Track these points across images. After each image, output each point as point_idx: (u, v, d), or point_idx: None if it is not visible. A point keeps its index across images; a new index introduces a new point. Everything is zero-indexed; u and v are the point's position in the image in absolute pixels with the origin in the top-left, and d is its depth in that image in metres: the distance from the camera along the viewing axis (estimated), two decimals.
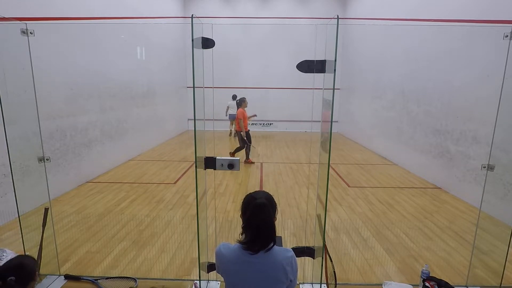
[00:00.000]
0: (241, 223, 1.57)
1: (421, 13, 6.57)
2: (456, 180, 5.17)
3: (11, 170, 2.29)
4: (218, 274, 1.61)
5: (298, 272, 1.63)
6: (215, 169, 2.19)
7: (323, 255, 2.22)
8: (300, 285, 2.50)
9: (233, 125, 10.71)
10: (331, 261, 2.17)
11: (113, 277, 2.62)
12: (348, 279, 2.80)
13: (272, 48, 12.49)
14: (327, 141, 2.05)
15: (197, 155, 2.07)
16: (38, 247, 2.42)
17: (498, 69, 2.29)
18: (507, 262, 2.36)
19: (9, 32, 2.30)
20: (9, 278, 1.58)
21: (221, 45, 10.83)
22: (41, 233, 2.43)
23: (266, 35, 12.39)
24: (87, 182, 5.59)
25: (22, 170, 2.43)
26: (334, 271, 2.13)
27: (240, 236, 1.56)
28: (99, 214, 4.18)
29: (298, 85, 11.99)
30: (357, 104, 10.91)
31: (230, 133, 11.34)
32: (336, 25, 1.81)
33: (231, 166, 2.17)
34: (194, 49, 1.90)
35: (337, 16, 1.84)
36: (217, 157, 2.18)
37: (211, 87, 2.45)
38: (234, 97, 10.73)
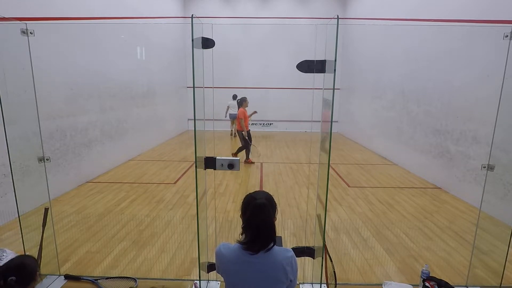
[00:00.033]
0: (241, 223, 1.57)
1: (421, 13, 6.57)
2: (456, 180, 5.17)
3: (11, 170, 2.29)
4: (218, 274, 1.61)
5: (298, 272, 1.63)
6: (215, 169, 2.19)
7: (323, 255, 2.22)
8: (300, 285, 2.50)
9: (234, 125, 10.72)
10: (331, 261, 2.17)
11: (113, 277, 2.62)
12: (348, 279, 2.80)
13: (272, 48, 12.50)
14: (327, 141, 2.05)
15: (197, 155, 2.07)
16: (38, 247, 2.42)
17: (498, 69, 2.29)
18: (507, 262, 2.36)
19: (9, 32, 2.30)
20: (10, 278, 1.57)
21: (221, 45, 10.83)
22: (41, 233, 2.43)
23: (266, 35, 12.39)
24: (87, 182, 5.59)
25: (22, 170, 2.43)
26: (334, 271, 2.13)
27: (240, 236, 1.56)
28: (99, 214, 4.18)
29: (298, 85, 11.99)
30: (357, 104, 10.91)
31: (232, 133, 11.35)
32: (336, 25, 1.81)
33: (231, 166, 2.17)
34: (194, 49, 1.90)
35: (337, 16, 1.84)
36: (217, 157, 2.18)
37: (211, 87, 2.45)
38: (234, 97, 10.74)
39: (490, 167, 2.33)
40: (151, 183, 5.66)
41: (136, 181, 5.74)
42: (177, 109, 11.50)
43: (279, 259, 1.49)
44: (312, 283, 2.52)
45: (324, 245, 2.18)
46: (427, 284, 2.36)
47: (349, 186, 5.65)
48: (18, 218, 2.42)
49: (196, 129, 2.05)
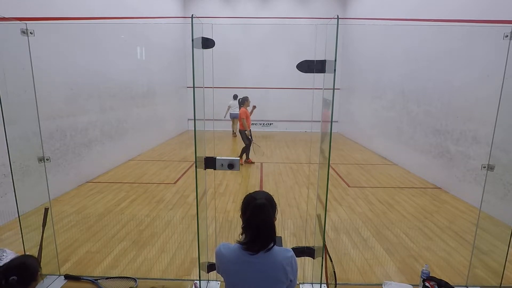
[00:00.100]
0: (241, 223, 1.57)
1: (421, 13, 6.57)
2: (456, 180, 5.17)
3: (11, 170, 2.29)
4: (218, 274, 1.61)
5: (298, 272, 1.63)
6: (215, 169, 2.19)
7: (323, 255, 2.22)
8: (300, 285, 2.50)
9: (235, 125, 10.71)
10: (331, 261, 2.17)
11: (113, 277, 2.62)
12: (348, 279, 2.80)
13: (272, 48, 12.49)
14: (327, 141, 2.05)
15: (197, 155, 2.07)
16: (38, 247, 2.42)
17: (498, 69, 2.29)
18: (507, 262, 2.36)
19: (9, 32, 2.30)
20: (11, 277, 1.56)
21: (221, 45, 10.81)
22: (41, 233, 2.43)
23: (266, 35, 12.39)
24: (87, 182, 5.59)
25: (22, 170, 2.43)
26: (334, 271, 2.13)
27: (240, 236, 1.55)
28: (99, 214, 4.18)
29: (298, 85, 11.99)
30: (357, 104, 10.91)
31: (233, 133, 11.34)
32: (336, 25, 1.81)
33: (231, 166, 2.17)
34: (194, 49, 1.90)
35: (337, 16, 1.84)
36: (217, 157, 2.18)
37: (211, 87, 2.45)
38: (235, 96, 10.74)
39: (490, 167, 2.33)
40: (151, 183, 5.66)
41: (136, 181, 5.74)
42: (177, 109, 11.50)
43: (279, 259, 1.49)
44: (312, 283, 2.52)
45: (324, 245, 2.18)
46: (427, 284, 2.36)
47: (349, 186, 5.65)
48: (18, 218, 2.42)
49: (196, 129, 2.05)
